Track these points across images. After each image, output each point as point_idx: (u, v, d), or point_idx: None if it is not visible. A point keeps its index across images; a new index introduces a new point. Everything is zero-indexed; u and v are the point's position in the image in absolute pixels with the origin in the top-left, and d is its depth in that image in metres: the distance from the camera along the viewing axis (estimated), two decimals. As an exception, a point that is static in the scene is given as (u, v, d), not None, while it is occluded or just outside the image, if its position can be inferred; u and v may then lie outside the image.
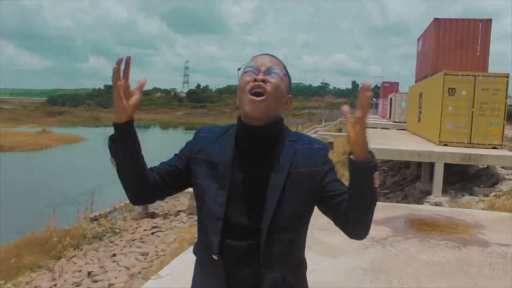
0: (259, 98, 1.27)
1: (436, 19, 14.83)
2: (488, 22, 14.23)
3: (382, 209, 5.97)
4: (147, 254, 8.01)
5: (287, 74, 1.39)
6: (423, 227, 5.24)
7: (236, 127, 1.38)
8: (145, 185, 1.35)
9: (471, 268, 4.02)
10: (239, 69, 1.37)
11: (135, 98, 1.26)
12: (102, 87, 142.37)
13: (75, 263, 8.08)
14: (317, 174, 1.31)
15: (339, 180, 1.35)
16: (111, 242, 9.59)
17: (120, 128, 1.26)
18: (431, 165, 10.97)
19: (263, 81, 1.29)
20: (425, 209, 6.53)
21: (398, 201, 10.78)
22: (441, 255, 4.32)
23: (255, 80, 1.29)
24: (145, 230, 10.05)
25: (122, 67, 1.21)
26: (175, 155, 1.45)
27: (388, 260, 4.16)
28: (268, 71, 1.31)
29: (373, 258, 4.21)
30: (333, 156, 15.46)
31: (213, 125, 1.48)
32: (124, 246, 8.97)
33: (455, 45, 14.35)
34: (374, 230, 4.67)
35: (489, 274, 3.90)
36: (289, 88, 1.40)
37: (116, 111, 1.26)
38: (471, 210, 6.51)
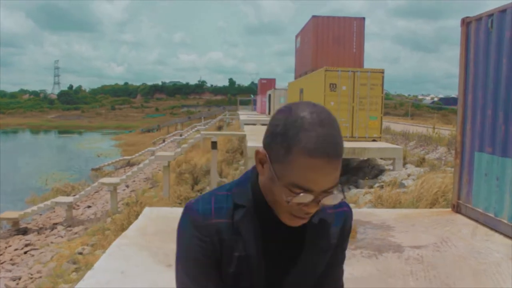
0: (302, 221, 0.98)
1: (314, 17, 15.15)
2: (361, 21, 14.98)
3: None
4: (19, 279, 7.38)
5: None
6: (333, 234, 4.85)
7: (257, 208, 1.01)
8: None
9: (396, 280, 3.69)
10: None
11: None
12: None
13: None
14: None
15: (340, 267, 1.15)
16: (-26, 268, 8.32)
17: None
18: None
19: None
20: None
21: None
22: (361, 268, 3.92)
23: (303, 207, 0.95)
24: (16, 249, 9.40)
25: None
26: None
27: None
28: (323, 193, 0.95)
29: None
30: (218, 154, 15.29)
31: (205, 197, 1.03)
32: (-9, 271, 7.99)
33: (333, 42, 14.82)
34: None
35: (415, 285, 3.61)
36: None
37: None
38: (373, 210, 6.41)
